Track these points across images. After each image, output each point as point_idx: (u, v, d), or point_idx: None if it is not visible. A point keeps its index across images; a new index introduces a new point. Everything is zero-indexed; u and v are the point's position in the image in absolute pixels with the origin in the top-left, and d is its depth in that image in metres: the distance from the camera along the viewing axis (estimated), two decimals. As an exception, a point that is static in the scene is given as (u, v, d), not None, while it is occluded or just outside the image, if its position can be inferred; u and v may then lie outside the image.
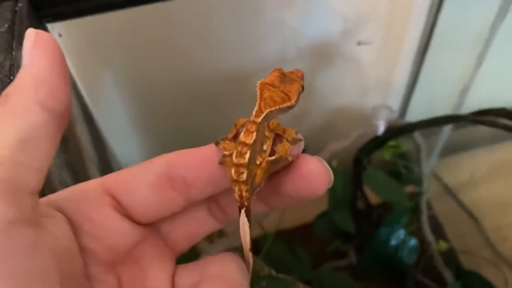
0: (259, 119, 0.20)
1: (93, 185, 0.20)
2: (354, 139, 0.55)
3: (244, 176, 0.20)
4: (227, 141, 0.21)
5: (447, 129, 0.71)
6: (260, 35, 0.60)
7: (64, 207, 0.19)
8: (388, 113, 0.55)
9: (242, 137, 0.20)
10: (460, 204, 0.83)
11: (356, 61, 0.68)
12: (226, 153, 0.20)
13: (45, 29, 0.38)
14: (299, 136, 0.21)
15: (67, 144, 0.34)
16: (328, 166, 0.20)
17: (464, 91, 0.59)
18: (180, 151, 0.21)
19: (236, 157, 0.20)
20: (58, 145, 0.17)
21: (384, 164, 0.71)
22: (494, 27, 0.51)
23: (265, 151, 0.20)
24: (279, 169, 0.21)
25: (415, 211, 0.69)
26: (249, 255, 0.21)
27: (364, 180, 0.58)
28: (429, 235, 0.68)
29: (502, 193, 0.83)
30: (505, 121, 0.43)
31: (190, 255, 0.47)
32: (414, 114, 0.75)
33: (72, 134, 0.36)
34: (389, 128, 0.56)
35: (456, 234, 0.79)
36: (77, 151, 0.36)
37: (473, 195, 0.83)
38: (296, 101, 0.22)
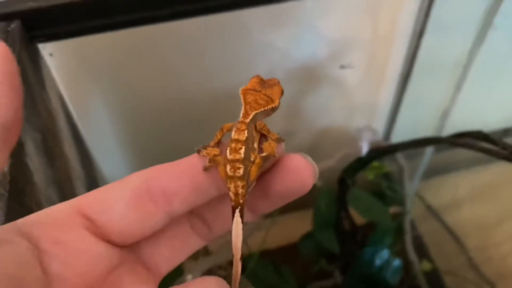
0: (248, 120, 0.21)
1: (65, 207, 0.19)
2: (338, 159, 0.56)
3: (241, 171, 0.20)
4: (210, 148, 0.21)
5: (429, 151, 0.72)
6: (249, 57, 0.62)
7: (31, 232, 0.18)
8: (372, 134, 0.56)
9: (234, 135, 0.21)
10: (444, 224, 0.84)
11: (342, 84, 0.70)
12: (216, 153, 0.21)
13: (36, 49, 0.39)
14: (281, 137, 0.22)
15: (54, 161, 0.35)
16: (312, 161, 0.21)
17: (445, 114, 0.61)
18: (160, 165, 0.21)
19: (230, 154, 0.20)
20: (5, 159, 0.15)
21: (368, 185, 0.72)
22: (471, 54, 0.53)
23: (256, 149, 0.21)
24: (266, 169, 0.21)
25: (399, 231, 0.70)
26: (238, 264, 0.21)
27: (348, 200, 0.59)
28: (412, 255, 0.68)
29: (484, 214, 0.84)
30: (482, 144, 0.45)
31: (174, 273, 0.47)
32: (399, 136, 0.76)
33: (60, 151, 0.37)
34: (372, 149, 0.57)
35: (440, 255, 0.80)
36: (64, 168, 0.37)
37: (456, 216, 0.84)
38: (279, 104, 0.23)
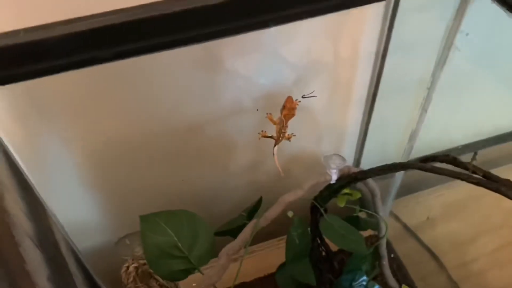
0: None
1: None
2: (308, 188, 0.54)
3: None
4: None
5: (400, 171, 0.71)
6: (214, 87, 0.60)
7: None
8: (339, 161, 0.55)
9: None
10: (421, 243, 0.83)
11: (309, 110, 0.69)
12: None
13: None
14: None
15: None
16: None
17: (413, 135, 0.60)
18: None
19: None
20: None
21: (342, 209, 0.71)
22: (435, 75, 0.52)
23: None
24: None
25: (376, 255, 0.69)
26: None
27: (321, 229, 0.57)
28: (391, 280, 0.67)
29: (459, 231, 0.84)
30: (449, 167, 0.44)
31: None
32: (369, 160, 0.76)
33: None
34: (341, 176, 0.55)
35: (419, 275, 0.79)
36: (6, 227, 0.33)
37: (432, 234, 0.84)
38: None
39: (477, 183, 0.40)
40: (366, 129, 0.71)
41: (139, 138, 0.61)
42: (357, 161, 0.77)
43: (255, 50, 0.58)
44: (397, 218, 0.83)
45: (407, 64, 0.60)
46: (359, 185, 0.65)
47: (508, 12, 0.38)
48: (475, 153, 0.42)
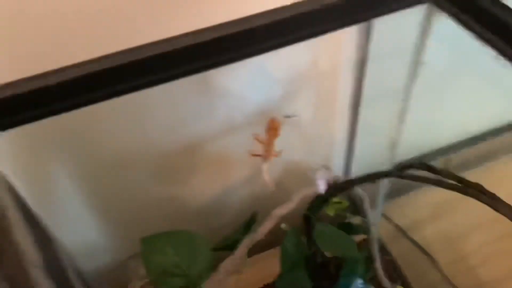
0: None
1: None
2: (298, 201, 0.57)
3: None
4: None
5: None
6: (207, 105, 0.62)
7: None
8: (326, 173, 0.58)
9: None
10: (415, 243, 0.85)
11: (298, 123, 0.71)
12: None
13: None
14: None
15: (1, 257, 0.34)
16: None
17: (394, 144, 0.63)
18: None
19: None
20: None
21: (335, 217, 0.74)
22: (407, 88, 0.55)
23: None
24: None
25: (371, 258, 0.71)
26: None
27: (314, 238, 0.60)
28: (384, 282, 0.69)
29: (451, 229, 0.87)
30: (425, 173, 0.47)
31: None
32: (359, 167, 0.78)
33: (9, 242, 0.37)
34: (328, 187, 0.58)
35: (415, 274, 0.82)
36: (16, 260, 0.36)
37: (425, 233, 0.86)
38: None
39: (449, 188, 0.44)
40: (353, 138, 0.74)
41: (138, 158, 0.64)
42: (347, 169, 0.79)
43: (243, 69, 0.60)
44: (389, 219, 0.86)
45: (385, 75, 0.63)
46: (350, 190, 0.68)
47: (467, 31, 0.40)
48: (448, 159, 0.45)
